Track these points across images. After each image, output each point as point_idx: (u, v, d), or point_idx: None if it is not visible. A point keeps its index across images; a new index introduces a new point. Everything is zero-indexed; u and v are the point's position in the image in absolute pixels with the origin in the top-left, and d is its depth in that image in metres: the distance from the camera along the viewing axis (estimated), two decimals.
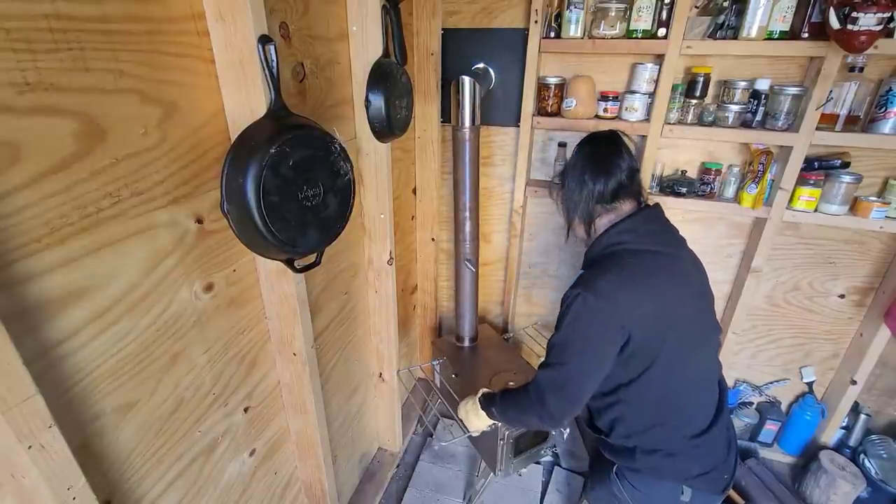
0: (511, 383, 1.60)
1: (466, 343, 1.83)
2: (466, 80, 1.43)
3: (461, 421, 1.30)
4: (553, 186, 1.17)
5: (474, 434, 1.31)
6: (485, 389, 1.25)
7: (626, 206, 1.06)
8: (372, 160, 1.31)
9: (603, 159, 1.05)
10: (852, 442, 1.79)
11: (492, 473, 1.51)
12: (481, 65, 1.70)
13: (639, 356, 0.97)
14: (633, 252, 1.01)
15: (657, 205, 1.09)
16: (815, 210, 1.49)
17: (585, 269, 1.04)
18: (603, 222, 1.07)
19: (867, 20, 1.15)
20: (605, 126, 1.59)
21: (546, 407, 1.01)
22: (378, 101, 1.16)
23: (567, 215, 1.13)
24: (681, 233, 1.10)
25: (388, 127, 1.20)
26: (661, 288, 0.99)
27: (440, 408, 1.97)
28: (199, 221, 0.83)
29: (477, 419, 1.24)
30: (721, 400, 1.08)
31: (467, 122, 1.48)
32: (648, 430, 1.03)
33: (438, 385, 1.79)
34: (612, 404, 1.05)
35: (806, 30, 1.32)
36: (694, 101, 1.50)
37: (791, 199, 1.50)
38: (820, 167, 1.46)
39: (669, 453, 1.02)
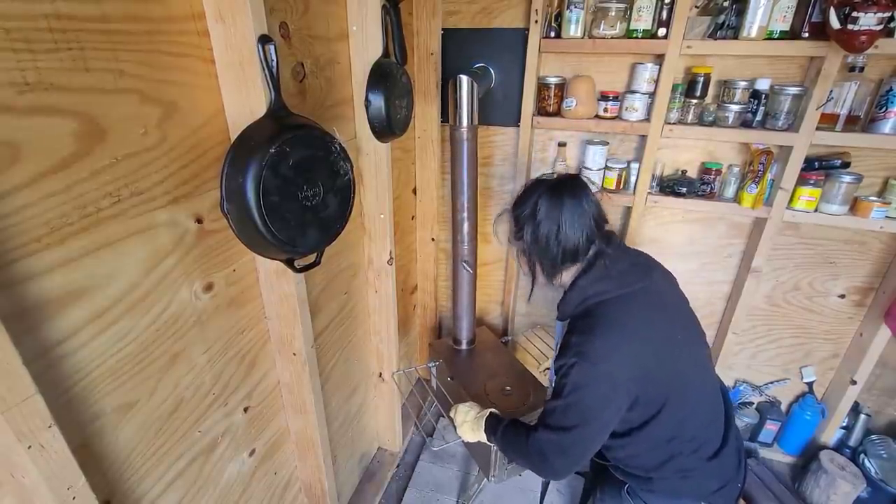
0: (507, 388, 1.60)
1: (464, 346, 1.82)
2: (464, 78, 1.42)
3: (453, 423, 1.26)
4: (512, 241, 1.04)
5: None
6: (493, 410, 1.19)
7: (590, 252, 0.98)
8: (372, 160, 1.31)
9: (570, 211, 0.94)
10: (852, 442, 1.79)
11: (485, 479, 1.51)
12: (481, 65, 1.70)
13: (647, 405, 0.93)
14: (615, 301, 0.94)
15: (612, 233, 1.01)
16: (816, 210, 1.49)
17: (570, 330, 0.96)
18: (570, 273, 1.00)
19: (867, 20, 1.15)
20: (605, 126, 1.61)
21: (548, 464, 0.97)
22: (378, 101, 1.16)
23: (530, 271, 1.03)
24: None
25: (388, 127, 1.20)
26: (653, 332, 0.93)
27: (436, 410, 1.96)
28: (199, 221, 0.82)
29: (471, 433, 1.19)
30: (727, 411, 1.05)
31: (465, 122, 1.47)
32: (664, 463, 0.98)
33: (434, 387, 1.79)
34: (623, 445, 1.00)
35: (806, 30, 1.32)
36: (694, 101, 1.50)
37: (791, 199, 1.50)
38: (820, 167, 1.46)
39: (686, 475, 0.99)
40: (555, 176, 1.02)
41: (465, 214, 1.61)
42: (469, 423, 1.20)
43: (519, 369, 1.69)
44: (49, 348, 0.61)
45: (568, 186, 0.97)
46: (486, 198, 1.92)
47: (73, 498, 0.59)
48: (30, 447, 0.53)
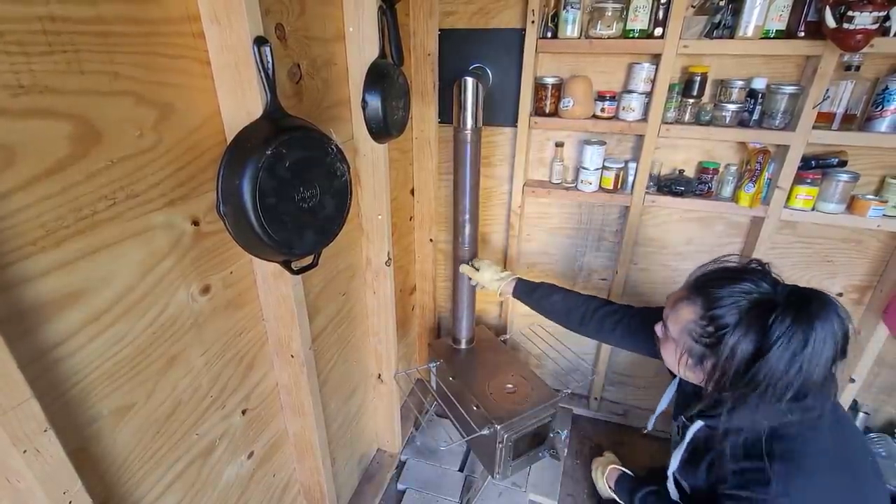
0: (509, 385, 1.60)
1: (463, 345, 1.83)
2: (469, 80, 1.42)
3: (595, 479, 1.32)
4: (688, 340, 0.82)
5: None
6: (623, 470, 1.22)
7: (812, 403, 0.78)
8: (369, 161, 1.30)
9: (815, 350, 0.72)
10: None
11: (490, 476, 1.51)
12: (478, 65, 1.70)
13: None
14: (813, 427, 0.77)
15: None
16: (813, 209, 1.49)
17: (753, 456, 0.78)
18: (767, 408, 0.78)
19: (863, 19, 1.15)
20: (602, 126, 1.61)
21: None
22: (375, 102, 1.16)
23: (707, 383, 0.82)
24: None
25: (385, 128, 1.20)
26: (860, 465, 0.79)
27: (437, 410, 1.96)
28: (196, 223, 0.82)
29: (603, 485, 1.24)
30: None
31: (469, 124, 1.47)
32: None
33: (434, 387, 1.79)
34: None
35: (802, 29, 1.32)
36: (691, 101, 1.50)
37: (788, 198, 1.50)
38: (817, 166, 1.47)
39: None
40: (778, 281, 0.81)
41: (468, 217, 1.61)
42: (601, 481, 1.25)
43: (520, 367, 1.70)
44: (45, 352, 0.61)
45: (817, 301, 0.74)
46: (484, 198, 1.92)
47: (70, 502, 0.59)
48: (25, 451, 0.53)
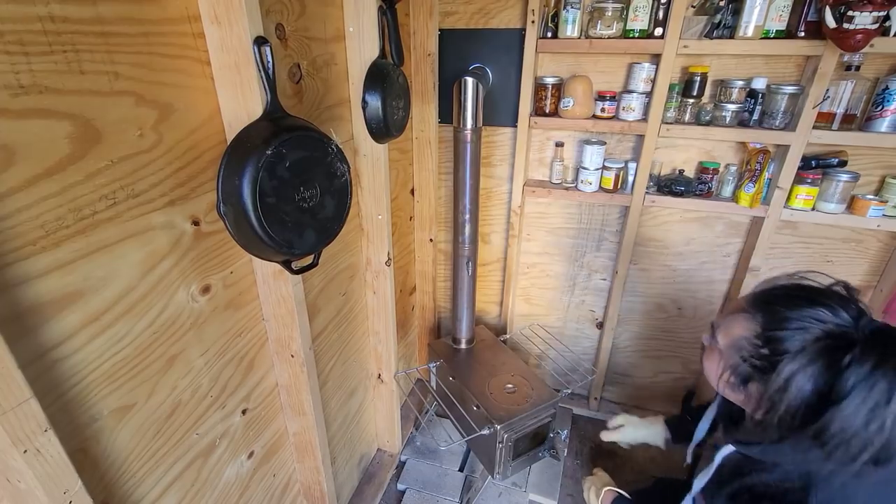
0: (509, 385, 1.60)
1: (463, 345, 1.83)
2: (469, 80, 1.42)
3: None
4: (732, 361, 0.72)
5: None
6: (619, 492, 1.09)
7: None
8: (369, 161, 1.30)
9: None
10: None
11: (490, 476, 1.51)
12: (478, 65, 1.70)
13: None
14: (858, 476, 0.66)
15: None
16: (813, 209, 1.49)
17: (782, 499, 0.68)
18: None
19: (863, 19, 1.15)
20: (602, 126, 1.61)
21: None
22: (375, 102, 1.16)
23: (761, 419, 0.70)
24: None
25: (385, 128, 1.20)
26: None
27: (437, 410, 1.96)
28: (196, 223, 0.82)
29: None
30: None
31: (469, 124, 1.47)
32: None
33: (434, 387, 1.79)
34: None
35: (802, 28, 1.32)
36: (691, 101, 1.50)
37: (788, 198, 1.50)
38: (817, 166, 1.46)
39: None
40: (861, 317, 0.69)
41: (468, 217, 1.61)
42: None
43: (520, 367, 1.70)
44: (45, 352, 0.61)
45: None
46: (484, 198, 1.92)
47: (70, 502, 0.59)
48: (25, 451, 0.53)
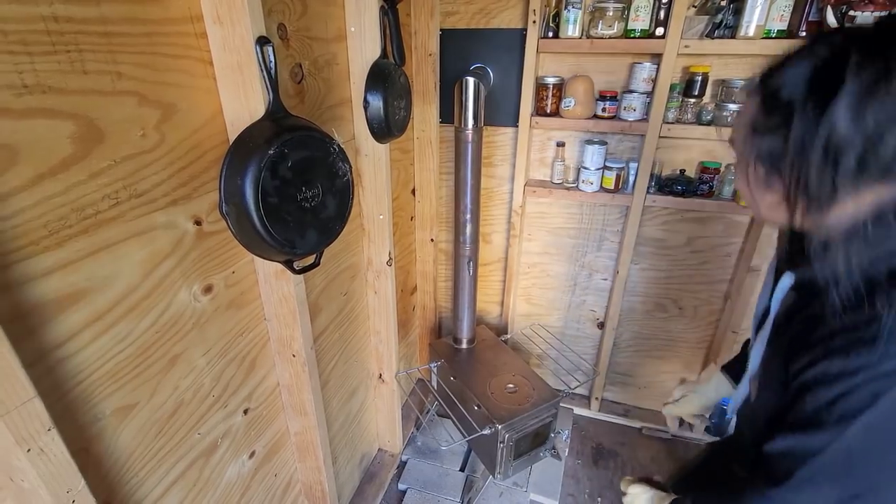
0: (510, 385, 1.60)
1: (464, 345, 1.83)
2: (471, 80, 1.42)
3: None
4: (753, 148, 0.61)
5: None
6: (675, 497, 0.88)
7: None
8: (371, 161, 1.31)
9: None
10: None
11: (491, 476, 1.51)
12: (480, 65, 1.71)
13: None
14: None
15: None
16: None
17: (855, 309, 0.56)
18: (866, 201, 0.55)
19: (864, 18, 1.15)
20: (603, 126, 1.61)
21: None
22: (376, 102, 1.16)
23: (785, 194, 0.59)
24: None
25: (387, 128, 1.20)
26: None
27: (438, 410, 1.97)
28: (198, 223, 0.82)
29: None
30: None
31: (470, 124, 1.48)
32: None
33: (435, 387, 1.79)
34: None
35: (803, 28, 1.32)
36: (692, 101, 1.50)
37: None
38: None
39: None
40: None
41: (469, 216, 1.62)
42: None
43: (521, 367, 1.70)
44: (48, 351, 0.61)
45: None
46: (485, 198, 1.92)
47: (73, 501, 0.59)
48: (29, 451, 0.53)
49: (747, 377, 0.78)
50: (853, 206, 0.55)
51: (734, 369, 1.07)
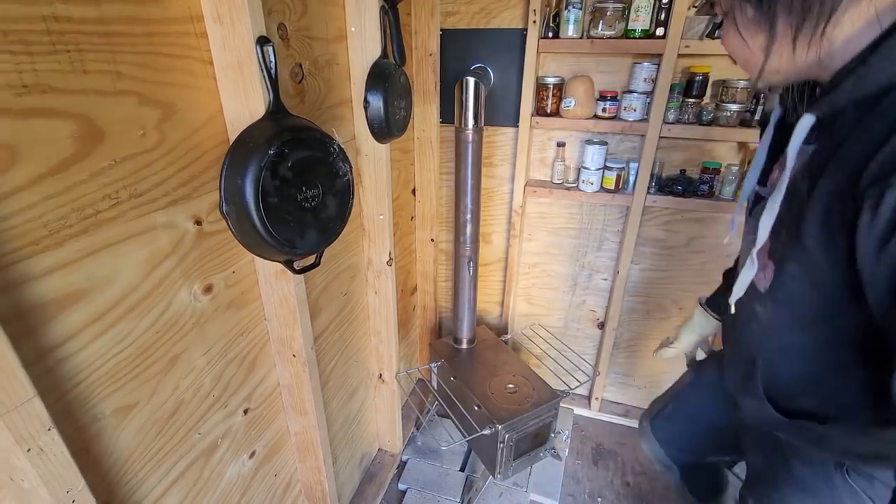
0: (510, 385, 1.60)
1: (464, 345, 1.83)
2: (471, 80, 1.42)
3: None
4: None
5: None
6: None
7: None
8: (371, 161, 1.31)
9: None
10: None
11: (491, 476, 1.51)
12: (480, 65, 1.71)
13: None
14: None
15: None
16: None
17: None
18: (857, 25, 0.51)
19: None
20: (604, 126, 1.61)
21: None
22: (377, 102, 1.17)
23: (768, 22, 0.57)
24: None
25: (387, 127, 1.20)
26: None
27: (438, 410, 1.97)
28: (198, 223, 0.82)
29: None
30: None
31: (471, 124, 1.48)
32: None
33: (435, 387, 1.79)
34: None
35: None
36: (692, 101, 1.50)
37: None
38: None
39: None
40: None
41: (469, 216, 1.62)
42: None
43: (521, 367, 1.69)
44: (48, 351, 0.61)
45: None
46: (485, 198, 1.92)
47: (73, 501, 0.59)
48: (29, 450, 0.53)
49: (755, 250, 0.70)
50: (856, 18, 0.51)
51: (716, 303, 1.09)
